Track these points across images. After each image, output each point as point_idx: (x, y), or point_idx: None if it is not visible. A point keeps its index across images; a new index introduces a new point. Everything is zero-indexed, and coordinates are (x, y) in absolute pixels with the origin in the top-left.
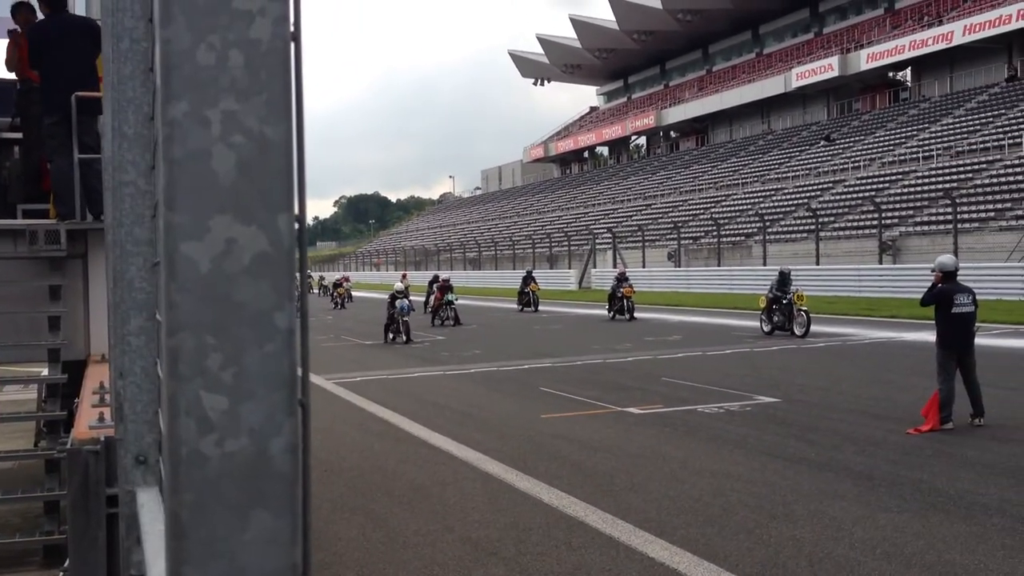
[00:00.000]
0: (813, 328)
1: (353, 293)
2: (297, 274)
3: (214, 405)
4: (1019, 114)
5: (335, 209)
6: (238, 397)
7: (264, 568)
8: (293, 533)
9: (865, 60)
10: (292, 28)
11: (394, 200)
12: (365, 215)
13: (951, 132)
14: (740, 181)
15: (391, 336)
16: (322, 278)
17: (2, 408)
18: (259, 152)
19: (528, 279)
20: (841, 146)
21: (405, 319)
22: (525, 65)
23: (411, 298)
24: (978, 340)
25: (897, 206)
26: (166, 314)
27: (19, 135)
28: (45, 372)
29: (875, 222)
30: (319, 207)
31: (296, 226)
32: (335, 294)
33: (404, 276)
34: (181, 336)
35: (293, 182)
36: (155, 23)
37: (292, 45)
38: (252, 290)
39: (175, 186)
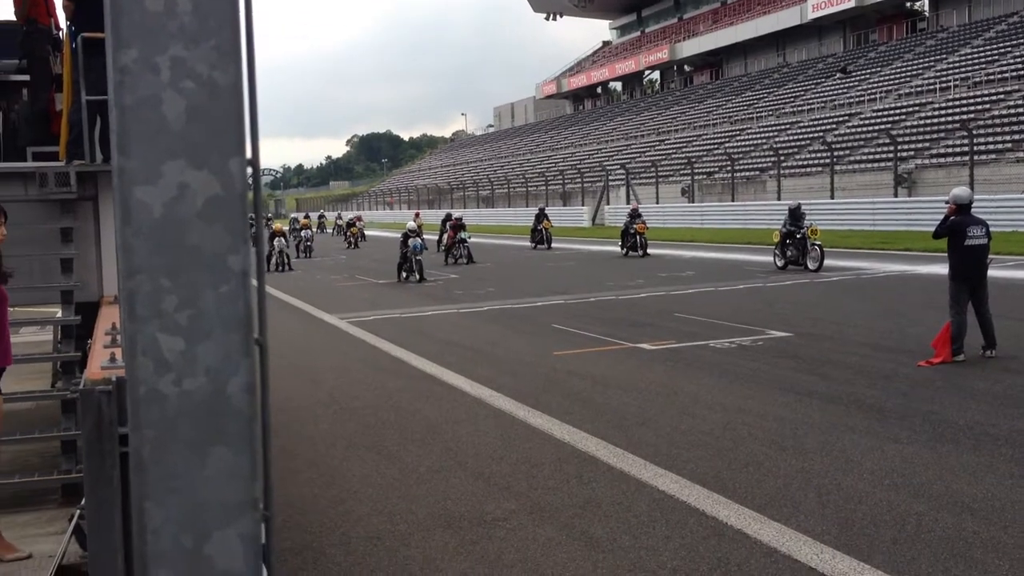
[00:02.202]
0: (827, 262)
1: (366, 232)
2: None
3: (171, 346)
4: None
5: (347, 148)
6: (195, 338)
7: (224, 502)
8: (253, 468)
9: None
10: None
11: (406, 138)
12: (378, 153)
13: (969, 63)
14: (754, 115)
15: (404, 275)
16: (339, 216)
17: (19, 350)
18: (209, 97)
19: (541, 216)
20: (857, 78)
21: (418, 258)
22: None
23: (424, 237)
24: (991, 272)
25: (913, 138)
26: (122, 258)
27: (26, 78)
28: (60, 314)
29: (891, 155)
30: (331, 146)
31: (249, 170)
32: (349, 233)
33: (417, 215)
34: (137, 279)
35: (245, 126)
36: None
37: None
38: (206, 233)
39: (127, 132)
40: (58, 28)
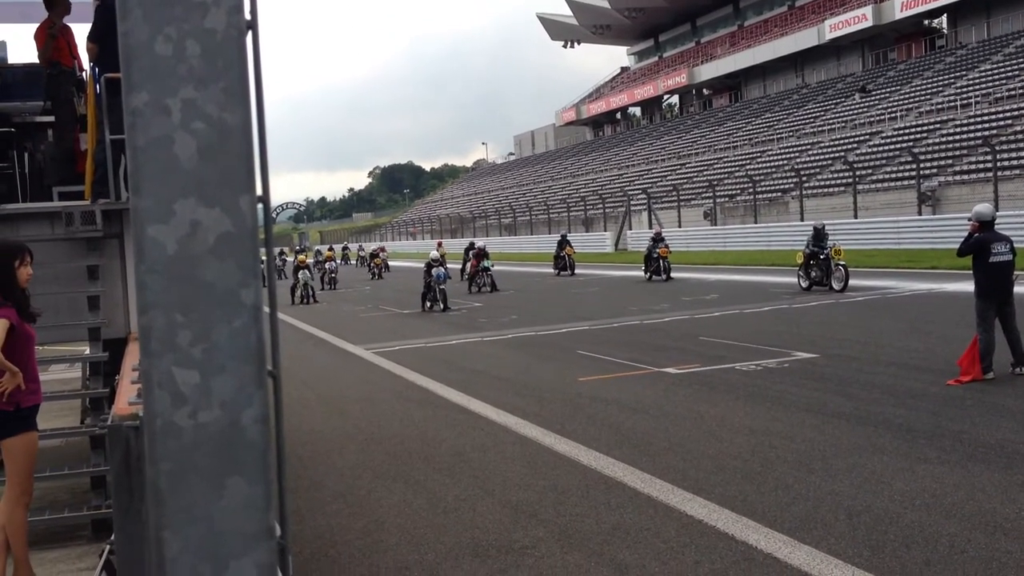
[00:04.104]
0: (852, 282)
1: (390, 263)
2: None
3: (186, 379)
4: None
5: (369, 180)
6: (209, 371)
7: (241, 531)
8: (268, 498)
9: (899, 8)
10: (248, 16)
11: (428, 169)
12: (400, 184)
13: (989, 78)
14: (775, 136)
15: (428, 304)
16: (360, 247)
17: (48, 387)
18: (219, 137)
19: (563, 243)
20: (877, 97)
21: (442, 287)
22: (554, 27)
23: (447, 266)
24: (1017, 288)
25: (936, 156)
26: (137, 294)
27: (51, 119)
28: (88, 351)
29: (913, 173)
30: (354, 178)
31: (260, 206)
32: (372, 264)
33: (440, 244)
34: (152, 315)
35: (255, 164)
36: (117, 17)
37: (249, 33)
38: (218, 269)
39: (140, 172)
40: (81, 69)
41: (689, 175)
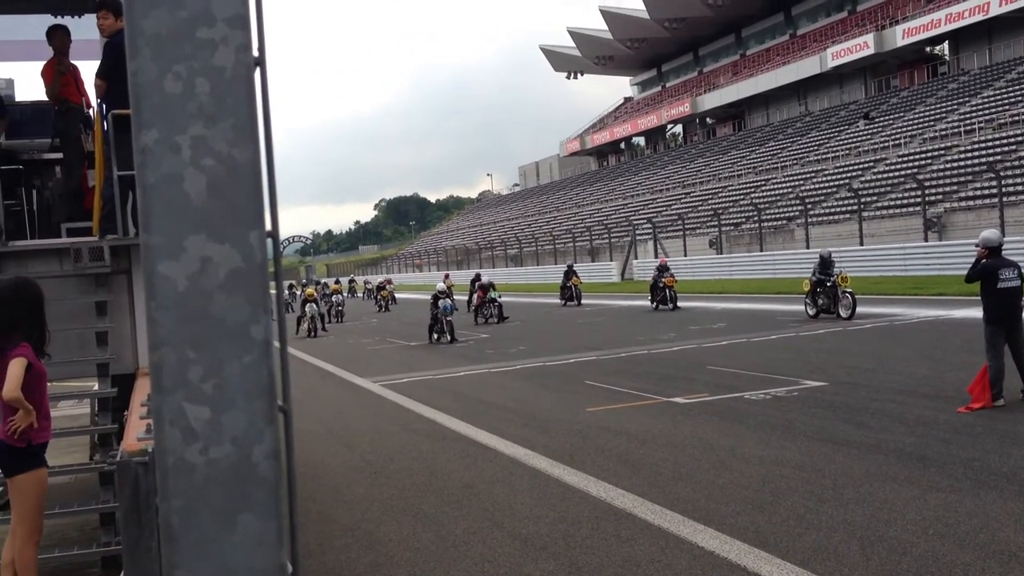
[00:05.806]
0: (859, 309)
1: (396, 295)
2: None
3: (197, 415)
4: None
5: (376, 212)
6: (220, 407)
7: (253, 569)
8: (279, 535)
9: (901, 36)
10: (256, 54)
11: (433, 200)
12: (405, 216)
13: (992, 104)
14: (779, 164)
15: (436, 336)
16: (367, 282)
17: (57, 423)
18: (229, 173)
19: (570, 273)
20: (881, 124)
21: (449, 319)
22: (557, 59)
23: (454, 297)
24: None
25: (941, 182)
26: (148, 331)
27: (59, 155)
28: (96, 387)
29: (919, 199)
30: (360, 211)
31: (269, 241)
32: (379, 297)
33: (447, 276)
34: (163, 351)
35: (264, 200)
36: (127, 57)
37: (257, 70)
38: (228, 305)
39: (150, 209)
40: (88, 106)
41: (694, 204)
